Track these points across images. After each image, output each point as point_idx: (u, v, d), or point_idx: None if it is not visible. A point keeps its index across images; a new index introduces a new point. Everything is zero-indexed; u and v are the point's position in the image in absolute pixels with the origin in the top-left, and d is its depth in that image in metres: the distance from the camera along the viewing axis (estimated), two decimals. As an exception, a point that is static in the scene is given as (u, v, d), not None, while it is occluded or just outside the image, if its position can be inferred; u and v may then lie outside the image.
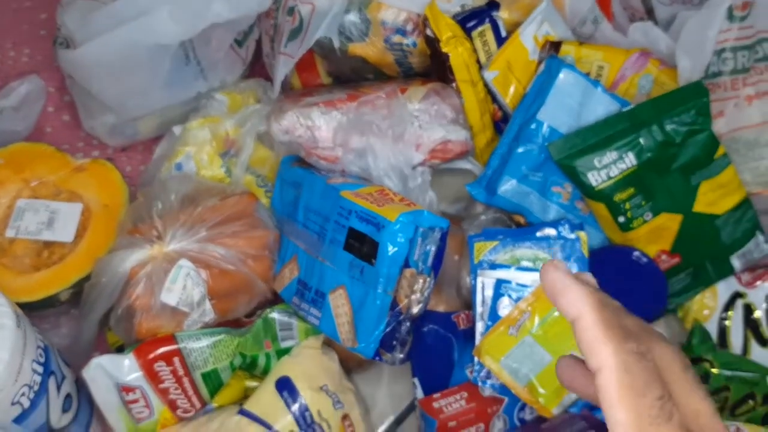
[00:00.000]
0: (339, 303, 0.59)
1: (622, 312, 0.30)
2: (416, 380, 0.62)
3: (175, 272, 0.60)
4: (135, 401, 0.60)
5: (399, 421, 0.68)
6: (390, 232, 0.56)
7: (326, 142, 0.65)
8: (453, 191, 0.72)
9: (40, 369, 0.55)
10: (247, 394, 0.64)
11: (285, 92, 0.72)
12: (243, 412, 0.60)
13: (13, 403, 0.52)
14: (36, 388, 0.54)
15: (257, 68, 0.80)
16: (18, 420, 0.53)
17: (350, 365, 0.66)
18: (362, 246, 0.58)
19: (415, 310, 0.58)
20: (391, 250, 0.56)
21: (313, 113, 0.64)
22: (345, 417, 0.62)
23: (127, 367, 0.59)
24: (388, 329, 0.57)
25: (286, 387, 0.61)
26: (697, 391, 0.28)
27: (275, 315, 0.64)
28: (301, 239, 0.64)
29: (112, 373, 0.59)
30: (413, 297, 0.58)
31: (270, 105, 0.71)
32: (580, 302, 0.28)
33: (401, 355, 0.59)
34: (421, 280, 0.58)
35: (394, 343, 0.58)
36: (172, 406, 0.61)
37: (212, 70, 0.73)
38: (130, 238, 0.62)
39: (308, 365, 0.63)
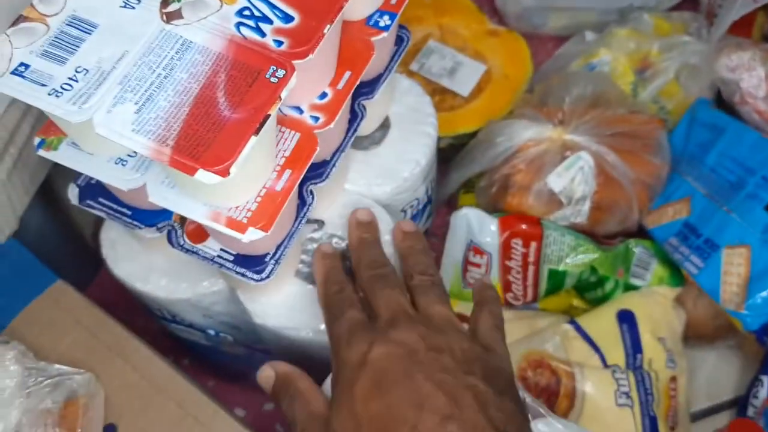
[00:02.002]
0: (735, 261, 0.54)
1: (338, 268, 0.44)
2: (765, 378, 0.55)
3: (571, 161, 0.58)
4: (476, 265, 0.59)
5: (708, 413, 0.61)
6: None
7: (772, 96, 0.58)
8: None
9: (429, 192, 0.55)
10: (570, 312, 0.61)
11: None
12: (574, 324, 0.57)
13: (402, 210, 0.53)
14: (419, 207, 0.55)
15: (683, 2, 0.75)
16: (390, 230, 0.54)
17: (689, 334, 0.60)
18: (796, 213, 0.51)
19: (824, 304, 0.51)
20: (838, 228, 0.49)
21: (774, 61, 0.58)
22: (673, 379, 0.57)
23: (489, 230, 0.58)
24: (786, 310, 0.51)
25: (627, 320, 0.57)
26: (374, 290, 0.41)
27: (637, 249, 0.60)
28: (702, 183, 0.58)
29: (473, 228, 0.58)
30: (829, 290, 0.51)
31: (703, 42, 0.66)
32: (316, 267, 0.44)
33: (782, 344, 0.52)
34: None
35: (784, 327, 0.52)
36: (506, 287, 0.60)
37: (655, -13, 0.69)
38: (533, 112, 0.61)
39: (656, 311, 0.58)
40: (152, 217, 0.43)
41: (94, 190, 0.44)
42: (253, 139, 0.32)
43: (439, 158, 0.66)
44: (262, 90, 0.33)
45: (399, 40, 0.49)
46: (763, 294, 0.52)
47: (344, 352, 0.37)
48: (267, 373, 0.41)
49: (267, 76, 0.34)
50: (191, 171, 0.32)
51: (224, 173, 0.32)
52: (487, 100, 0.66)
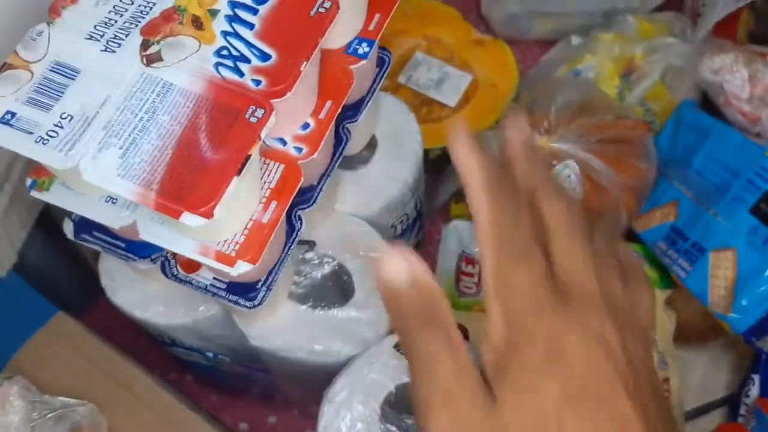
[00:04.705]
0: (722, 264, 0.54)
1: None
2: (756, 377, 0.56)
3: (558, 169, 0.59)
4: (469, 275, 0.60)
5: (701, 411, 0.62)
6: (830, 211, 0.50)
7: (756, 98, 0.59)
8: None
9: (418, 207, 0.56)
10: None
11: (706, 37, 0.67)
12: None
13: (392, 226, 0.54)
14: (409, 222, 0.56)
15: (667, 3, 0.75)
16: (381, 245, 0.55)
17: (680, 335, 0.61)
18: (780, 215, 0.52)
19: (810, 304, 0.52)
20: (821, 230, 0.50)
21: (756, 63, 0.59)
22: (666, 380, 0.58)
23: (479, 240, 0.59)
24: (774, 311, 0.52)
25: (618, 325, 0.58)
26: (575, 246, 0.28)
27: (626, 252, 0.61)
28: (689, 186, 0.59)
29: (464, 239, 0.59)
30: (815, 290, 0.52)
31: (687, 43, 0.66)
32: (469, 167, 0.29)
33: (771, 345, 0.53)
34: (832, 276, 0.51)
35: (772, 328, 0.53)
36: (499, 295, 0.61)
37: (639, -11, 0.69)
38: (519, 122, 0.61)
39: (647, 314, 0.59)
40: (146, 249, 0.44)
41: (89, 224, 0.45)
42: (235, 180, 0.33)
43: (429, 169, 0.67)
44: (242, 130, 0.34)
45: (381, 62, 0.49)
46: (750, 296, 0.53)
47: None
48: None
49: (247, 116, 0.35)
50: (176, 214, 0.33)
51: (208, 215, 0.33)
52: (473, 110, 0.66)
